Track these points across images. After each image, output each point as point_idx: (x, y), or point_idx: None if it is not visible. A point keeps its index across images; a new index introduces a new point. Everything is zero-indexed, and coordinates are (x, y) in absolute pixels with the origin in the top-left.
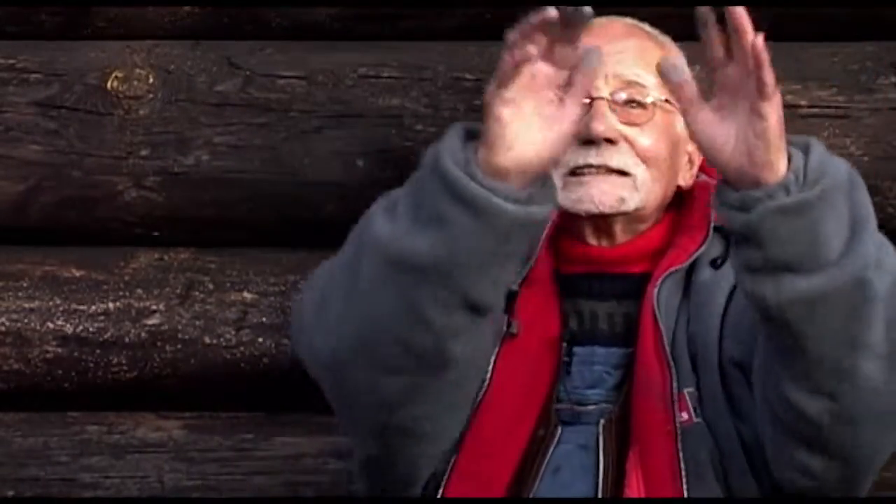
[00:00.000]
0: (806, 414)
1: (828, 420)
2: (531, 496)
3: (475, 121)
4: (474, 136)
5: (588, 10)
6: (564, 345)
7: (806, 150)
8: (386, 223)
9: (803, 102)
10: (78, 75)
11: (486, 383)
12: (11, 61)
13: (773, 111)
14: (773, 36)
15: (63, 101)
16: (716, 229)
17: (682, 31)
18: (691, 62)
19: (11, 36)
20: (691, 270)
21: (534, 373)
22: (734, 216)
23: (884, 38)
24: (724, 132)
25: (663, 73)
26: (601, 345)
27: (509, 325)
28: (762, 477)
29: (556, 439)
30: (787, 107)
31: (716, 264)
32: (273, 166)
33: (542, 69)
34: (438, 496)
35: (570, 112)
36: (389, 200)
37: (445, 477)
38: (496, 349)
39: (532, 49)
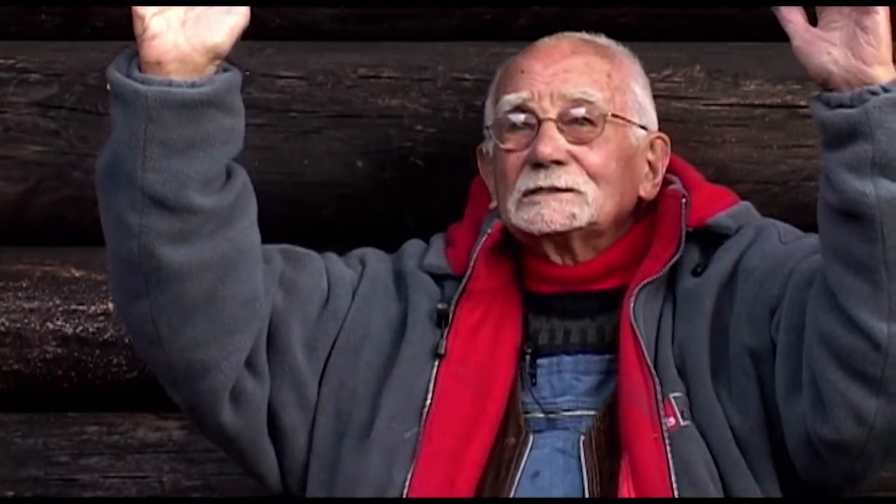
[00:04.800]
0: (873, 337)
1: (894, 348)
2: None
3: (476, 122)
4: None
5: None
6: (527, 357)
7: None
8: None
9: (803, 102)
10: (78, 75)
11: (429, 395)
12: (11, 61)
13: (881, 8)
14: (775, 37)
15: (63, 101)
16: (690, 236)
17: (683, 31)
18: (694, 62)
19: (11, 36)
20: (672, 280)
21: (484, 384)
22: (841, 114)
23: None
24: (828, 39)
25: (776, 13)
26: (568, 353)
27: (437, 346)
28: (761, 472)
29: (528, 447)
30: (787, 107)
31: (697, 272)
32: (273, 166)
33: None
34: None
35: (231, 8)
36: None
37: (406, 488)
38: (434, 367)
39: None
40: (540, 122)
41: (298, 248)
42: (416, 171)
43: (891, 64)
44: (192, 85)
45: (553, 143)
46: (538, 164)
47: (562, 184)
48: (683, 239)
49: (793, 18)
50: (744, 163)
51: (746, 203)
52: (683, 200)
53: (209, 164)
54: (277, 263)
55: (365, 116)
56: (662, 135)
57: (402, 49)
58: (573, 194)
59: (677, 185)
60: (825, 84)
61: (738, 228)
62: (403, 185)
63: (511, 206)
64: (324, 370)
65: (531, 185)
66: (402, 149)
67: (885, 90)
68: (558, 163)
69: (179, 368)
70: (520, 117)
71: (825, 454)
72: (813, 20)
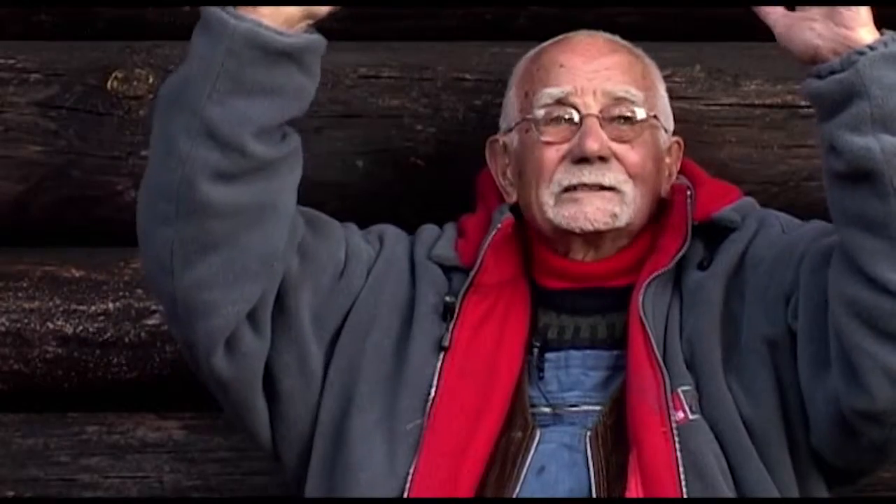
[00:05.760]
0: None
1: None
2: (515, 496)
3: (476, 122)
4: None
5: None
6: (535, 351)
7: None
8: None
9: (803, 102)
10: (78, 75)
11: (433, 388)
12: (11, 61)
13: None
14: (775, 37)
15: (63, 101)
16: (695, 231)
17: (683, 31)
18: (694, 62)
19: (11, 36)
20: (679, 274)
21: (489, 378)
22: (834, 80)
23: None
24: (808, 17)
25: (756, 12)
26: (576, 348)
27: (442, 339)
28: (775, 463)
29: (535, 441)
30: (787, 107)
31: (702, 266)
32: None
33: None
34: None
35: None
36: None
37: (409, 478)
38: (439, 359)
39: None
40: (583, 117)
41: (322, 215)
42: (416, 171)
43: (872, 25)
44: (280, 34)
45: (600, 139)
46: (582, 160)
47: (606, 181)
48: (690, 231)
49: (770, 10)
50: (744, 163)
51: (750, 198)
52: (688, 192)
53: (271, 115)
54: (300, 227)
55: (365, 116)
56: (678, 139)
57: (402, 49)
58: (613, 193)
59: (682, 180)
60: (814, 60)
61: (742, 221)
62: (403, 185)
63: (548, 199)
64: (332, 348)
65: (574, 181)
66: (402, 149)
67: (872, 48)
68: (602, 159)
69: (182, 304)
70: (561, 111)
71: (860, 426)
72: None
